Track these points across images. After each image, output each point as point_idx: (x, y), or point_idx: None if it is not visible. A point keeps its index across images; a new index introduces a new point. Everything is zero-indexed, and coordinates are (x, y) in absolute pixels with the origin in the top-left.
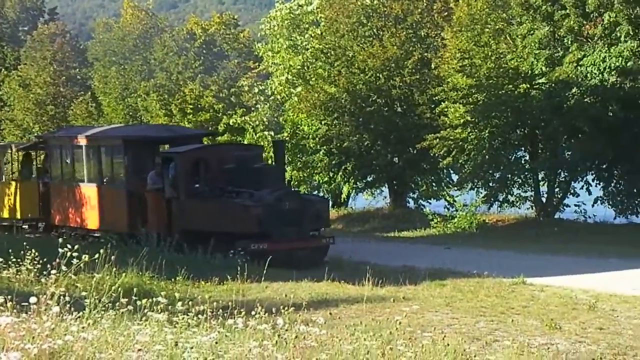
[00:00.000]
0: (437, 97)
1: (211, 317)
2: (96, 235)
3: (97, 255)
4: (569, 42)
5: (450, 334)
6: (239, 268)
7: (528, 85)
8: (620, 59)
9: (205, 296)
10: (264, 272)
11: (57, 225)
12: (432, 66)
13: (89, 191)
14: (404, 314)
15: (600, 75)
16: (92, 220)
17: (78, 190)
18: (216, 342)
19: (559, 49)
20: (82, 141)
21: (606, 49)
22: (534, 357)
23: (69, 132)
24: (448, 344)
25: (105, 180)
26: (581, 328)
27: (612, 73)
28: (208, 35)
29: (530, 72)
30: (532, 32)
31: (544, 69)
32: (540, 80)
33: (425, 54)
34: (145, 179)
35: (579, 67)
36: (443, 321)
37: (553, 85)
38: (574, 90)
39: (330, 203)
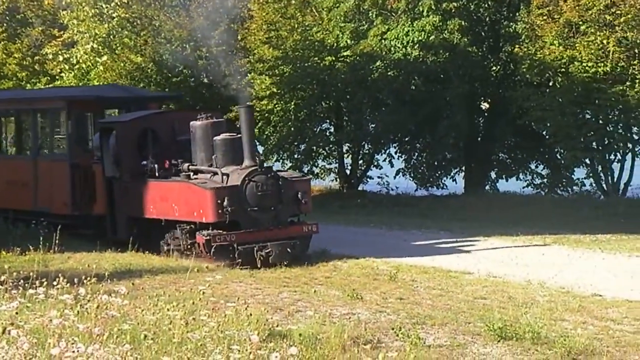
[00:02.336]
0: (243, 69)
1: (12, 288)
2: (28, 218)
3: None
4: (374, 16)
5: (254, 304)
6: (41, 238)
7: (333, 58)
8: (423, 33)
9: (5, 266)
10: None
11: None
12: (239, 37)
13: (20, 165)
14: (207, 285)
15: (403, 49)
16: (24, 200)
17: (5, 165)
18: (16, 312)
19: (363, 22)
20: (10, 105)
21: (409, 23)
22: (336, 327)
23: None
24: (251, 314)
25: (41, 151)
26: (382, 298)
27: (415, 47)
28: (11, 2)
29: (335, 44)
30: (337, 5)
31: (349, 42)
32: (345, 53)
33: (232, 25)
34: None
35: (383, 41)
36: (247, 291)
37: (358, 58)
38: (378, 64)
39: None
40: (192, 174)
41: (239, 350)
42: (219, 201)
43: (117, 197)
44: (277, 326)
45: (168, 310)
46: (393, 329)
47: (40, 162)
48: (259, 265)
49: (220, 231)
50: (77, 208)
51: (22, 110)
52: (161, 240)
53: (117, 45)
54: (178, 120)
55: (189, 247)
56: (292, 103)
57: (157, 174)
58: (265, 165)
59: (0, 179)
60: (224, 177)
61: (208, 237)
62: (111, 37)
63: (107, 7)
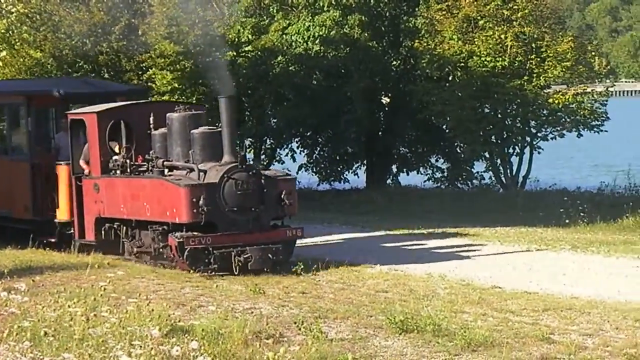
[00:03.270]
0: (144, 64)
1: None
2: None
3: None
4: (275, 11)
5: (156, 299)
6: None
7: (235, 53)
8: (324, 28)
9: None
10: None
11: None
12: (140, 32)
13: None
14: (108, 281)
15: (304, 44)
16: None
17: None
18: None
19: (264, 17)
20: None
21: (310, 18)
22: (238, 322)
23: None
24: (152, 310)
25: None
26: (284, 292)
27: (316, 42)
28: None
29: (236, 39)
30: (238, 0)
31: (250, 37)
32: (246, 48)
33: (133, 20)
34: (52, 150)
35: (284, 36)
36: (149, 287)
37: (259, 53)
38: (279, 59)
39: None
40: (166, 170)
41: (140, 346)
42: (194, 200)
43: (86, 196)
44: (179, 321)
45: (69, 306)
46: (295, 323)
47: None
48: (236, 272)
49: (195, 233)
50: (38, 213)
51: None
52: (128, 242)
53: (16, 40)
54: (154, 112)
55: (160, 250)
56: (194, 98)
57: (128, 170)
58: (248, 161)
59: None
60: (201, 173)
61: (181, 240)
62: (10, 32)
63: (5, 3)
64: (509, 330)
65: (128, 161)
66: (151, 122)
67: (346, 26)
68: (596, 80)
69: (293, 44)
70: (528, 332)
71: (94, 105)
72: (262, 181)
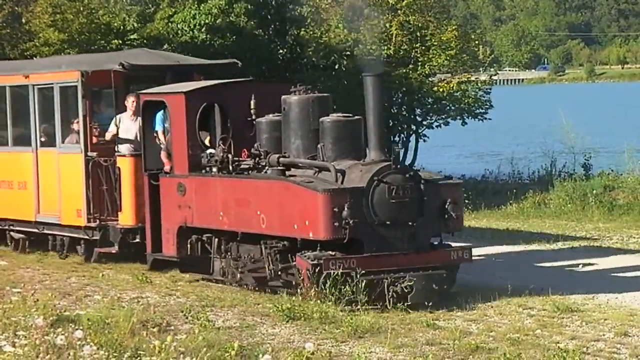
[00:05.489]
0: (28, 52)
1: None
2: (30, 230)
3: None
4: None
5: (41, 290)
6: None
7: (120, 41)
8: (210, 16)
9: None
10: None
11: None
12: (24, 20)
13: (16, 159)
14: None
15: (190, 32)
16: (21, 208)
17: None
18: None
19: (150, 5)
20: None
21: (196, 6)
22: (124, 311)
23: None
24: (37, 300)
25: (43, 139)
26: (172, 282)
27: (202, 30)
28: None
29: (122, 27)
30: None
31: (135, 25)
32: (132, 37)
33: (17, 8)
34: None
35: (170, 24)
36: (34, 277)
37: (145, 41)
38: (165, 47)
39: None
40: (285, 169)
41: (25, 336)
42: (335, 209)
43: (165, 199)
44: (65, 311)
45: None
46: (182, 311)
47: (43, 155)
48: (389, 304)
49: (334, 253)
50: (94, 218)
51: (15, 88)
52: (219, 259)
53: None
54: (257, 94)
55: (278, 273)
56: None
57: (230, 168)
58: (400, 161)
59: None
60: (339, 174)
61: (316, 262)
62: None
63: None
64: (395, 317)
65: (230, 156)
66: (252, 106)
67: (232, 14)
68: (480, 69)
69: (179, 32)
70: (414, 319)
71: (169, 84)
72: (422, 187)
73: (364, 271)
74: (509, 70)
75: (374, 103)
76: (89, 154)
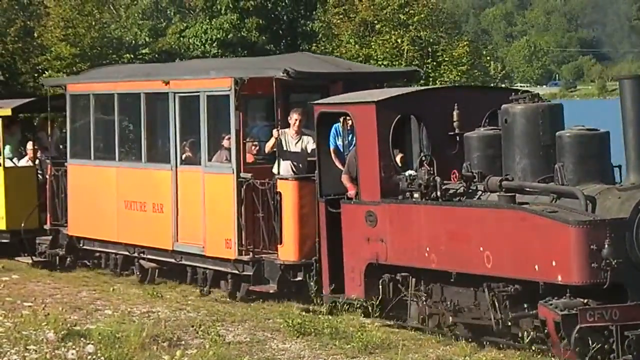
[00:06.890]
0: (40, 67)
1: None
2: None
3: None
4: (172, 13)
5: (52, 303)
6: None
7: (132, 55)
8: (221, 31)
9: None
10: None
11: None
12: (36, 34)
13: (153, 176)
14: (3, 284)
15: (202, 46)
16: (157, 233)
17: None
18: None
19: (162, 19)
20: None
21: (207, 21)
22: (135, 325)
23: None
24: (48, 314)
25: (184, 157)
26: (182, 296)
27: (214, 45)
28: None
29: (134, 42)
30: (135, 2)
31: (147, 39)
32: (144, 51)
33: (29, 22)
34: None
35: (181, 39)
36: (45, 291)
37: (157, 55)
38: (177, 62)
39: None
40: (512, 194)
41: (35, 350)
42: (593, 247)
43: (349, 230)
44: (75, 325)
45: None
46: (193, 326)
47: (184, 174)
48: None
49: (589, 302)
50: (246, 250)
51: (151, 95)
52: (416, 303)
53: None
54: (460, 103)
55: (508, 324)
56: None
57: (438, 194)
58: None
59: (87, 191)
60: (588, 202)
61: (568, 312)
62: None
63: None
64: (407, 333)
65: (438, 179)
66: (455, 117)
67: (244, 29)
68: (491, 85)
69: (191, 46)
70: (424, 335)
71: (352, 93)
72: None
73: (630, 325)
74: (521, 86)
75: (634, 113)
76: (242, 175)
